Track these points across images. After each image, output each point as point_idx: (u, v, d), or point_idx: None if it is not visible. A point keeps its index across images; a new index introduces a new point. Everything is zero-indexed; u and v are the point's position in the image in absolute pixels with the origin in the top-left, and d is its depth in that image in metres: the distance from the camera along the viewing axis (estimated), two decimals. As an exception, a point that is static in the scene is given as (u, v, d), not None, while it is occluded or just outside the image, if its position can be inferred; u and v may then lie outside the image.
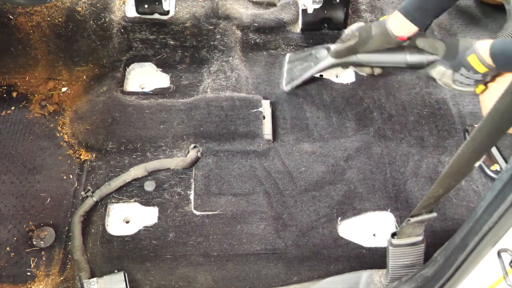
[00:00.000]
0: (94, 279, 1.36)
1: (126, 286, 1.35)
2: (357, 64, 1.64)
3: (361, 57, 1.59)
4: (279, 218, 1.50)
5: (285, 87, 1.75)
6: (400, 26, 1.47)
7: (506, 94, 0.69)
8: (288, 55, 1.81)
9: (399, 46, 1.53)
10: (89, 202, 1.51)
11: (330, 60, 1.64)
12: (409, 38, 1.50)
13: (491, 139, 0.78)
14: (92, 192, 1.53)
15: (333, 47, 1.63)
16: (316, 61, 1.68)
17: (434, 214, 1.03)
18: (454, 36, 1.95)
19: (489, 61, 1.33)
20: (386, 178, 1.58)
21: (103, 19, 1.88)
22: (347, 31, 1.60)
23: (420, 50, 1.51)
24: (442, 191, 0.92)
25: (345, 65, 1.67)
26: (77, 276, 1.38)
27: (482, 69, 1.36)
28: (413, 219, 1.03)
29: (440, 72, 1.46)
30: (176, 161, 1.59)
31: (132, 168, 1.57)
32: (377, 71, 1.64)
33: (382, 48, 1.55)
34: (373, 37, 1.52)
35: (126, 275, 1.37)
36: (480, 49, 1.34)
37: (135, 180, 1.57)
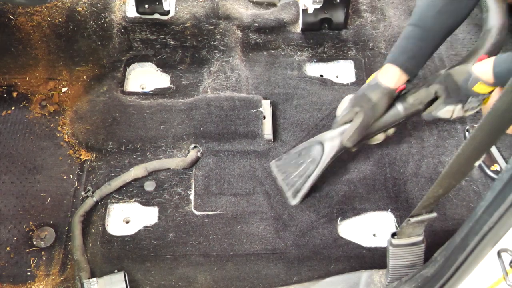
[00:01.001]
0: (94, 279, 1.36)
1: (126, 286, 1.35)
2: (364, 138, 1.44)
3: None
4: (279, 218, 1.50)
5: (293, 201, 1.49)
6: (395, 78, 1.37)
7: (506, 93, 0.69)
8: (272, 164, 1.55)
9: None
10: (89, 202, 1.51)
11: (334, 149, 1.43)
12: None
13: (491, 138, 0.78)
14: (92, 192, 1.53)
15: (337, 139, 1.43)
16: (313, 160, 1.46)
17: (434, 214, 1.03)
18: (453, 43, 1.92)
19: (493, 80, 1.28)
20: (386, 178, 1.58)
21: (103, 19, 1.88)
22: (341, 111, 1.44)
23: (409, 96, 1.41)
24: (442, 191, 0.92)
25: (355, 146, 1.44)
26: (77, 276, 1.38)
27: (489, 90, 1.31)
28: (413, 219, 1.03)
29: (450, 111, 1.37)
30: (176, 161, 1.59)
31: (132, 168, 1.57)
32: (391, 131, 1.48)
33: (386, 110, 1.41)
34: (378, 102, 1.38)
35: (126, 275, 1.38)
36: (481, 73, 1.28)
37: (135, 180, 1.57)
